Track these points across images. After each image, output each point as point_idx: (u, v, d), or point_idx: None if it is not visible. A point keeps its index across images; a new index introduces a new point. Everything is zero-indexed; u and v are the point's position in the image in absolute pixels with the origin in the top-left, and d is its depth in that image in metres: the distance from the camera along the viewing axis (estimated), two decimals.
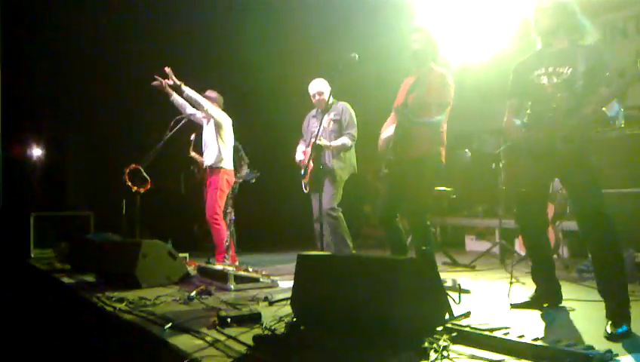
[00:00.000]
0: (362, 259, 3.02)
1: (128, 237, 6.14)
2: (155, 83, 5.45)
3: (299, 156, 5.11)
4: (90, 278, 4.91)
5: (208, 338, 2.65)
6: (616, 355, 2.19)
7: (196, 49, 7.93)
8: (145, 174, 5.47)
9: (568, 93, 2.95)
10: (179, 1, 7.20)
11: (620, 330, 2.56)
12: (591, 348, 2.15)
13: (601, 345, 2.34)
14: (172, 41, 7.66)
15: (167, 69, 5.23)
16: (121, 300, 3.74)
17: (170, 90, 5.51)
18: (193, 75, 7.42)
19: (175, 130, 5.55)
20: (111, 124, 8.03)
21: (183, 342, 2.63)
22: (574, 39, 3.12)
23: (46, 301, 5.02)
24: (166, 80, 5.39)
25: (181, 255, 5.03)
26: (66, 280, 4.96)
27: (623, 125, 5.15)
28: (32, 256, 7.02)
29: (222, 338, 2.66)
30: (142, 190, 5.54)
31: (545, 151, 2.99)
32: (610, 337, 2.54)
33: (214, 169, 5.55)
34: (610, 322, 2.65)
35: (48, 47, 7.78)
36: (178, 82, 5.24)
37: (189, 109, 5.65)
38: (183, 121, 5.60)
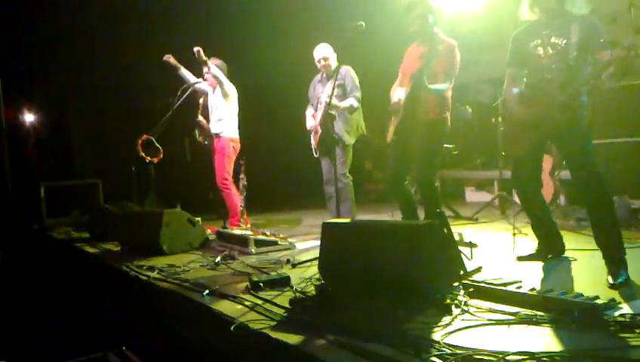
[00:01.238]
0: (384, 224, 3.26)
1: (138, 205, 6.34)
2: (166, 58, 5.61)
3: (309, 122, 5.27)
4: (112, 247, 5.13)
5: (247, 303, 2.90)
6: (619, 303, 2.46)
7: (192, 9, 7.90)
8: (157, 144, 5.61)
9: (563, 65, 3.11)
10: None
11: (620, 280, 2.83)
12: (596, 298, 2.40)
13: (604, 293, 2.62)
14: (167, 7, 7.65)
15: (197, 48, 5.34)
16: (151, 268, 3.99)
17: (178, 64, 5.69)
18: (191, 39, 7.52)
19: (183, 99, 5.66)
20: (115, 91, 8.07)
21: (225, 307, 2.88)
22: (569, 8, 3.21)
23: (74, 271, 5.23)
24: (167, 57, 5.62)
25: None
26: (89, 249, 5.18)
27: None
28: (46, 225, 7.20)
29: (259, 301, 2.90)
30: (155, 160, 5.70)
31: (540, 119, 3.19)
32: (612, 286, 2.80)
33: (221, 136, 5.70)
34: (609, 271, 2.92)
35: (49, 12, 7.72)
36: (205, 58, 5.38)
37: (193, 78, 5.78)
38: (189, 90, 5.71)
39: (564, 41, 3.13)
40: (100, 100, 8.42)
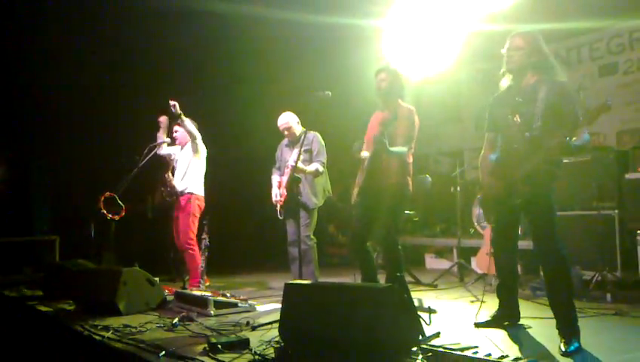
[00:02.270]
0: (345, 286, 3.30)
1: (96, 263, 6.20)
2: (172, 103, 5.52)
3: (274, 191, 5.37)
4: (67, 306, 4.96)
5: None
6: None
7: (170, 69, 8.05)
8: (120, 201, 5.57)
9: (529, 134, 3.17)
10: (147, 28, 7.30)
11: (571, 348, 2.93)
12: None
13: (557, 360, 2.69)
14: (142, 67, 7.77)
15: (173, 103, 5.42)
16: (106, 328, 3.87)
17: (164, 128, 5.90)
18: (165, 97, 7.64)
19: (148, 157, 5.69)
20: (76, 148, 8.02)
21: None
22: (542, 77, 3.29)
23: (25, 330, 5.02)
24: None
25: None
26: (42, 308, 5.00)
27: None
28: None
29: None
30: (117, 217, 5.64)
31: (508, 191, 3.31)
32: (564, 354, 2.89)
33: (186, 194, 5.71)
34: (562, 339, 3.01)
35: (11, 68, 7.73)
36: (180, 112, 5.45)
37: (164, 150, 5.93)
38: (155, 150, 5.77)
39: (530, 110, 3.19)
40: (60, 157, 8.33)
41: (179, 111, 5.44)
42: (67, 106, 7.75)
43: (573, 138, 2.98)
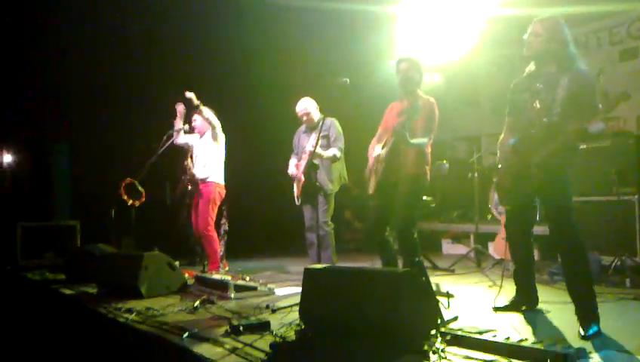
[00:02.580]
0: (364, 271, 3.33)
1: (116, 247, 6.32)
2: (188, 94, 5.57)
3: (291, 169, 5.40)
4: (89, 289, 5.07)
5: (227, 346, 2.92)
6: (589, 353, 2.55)
7: (187, 57, 8.10)
8: (140, 187, 5.66)
9: (547, 120, 3.17)
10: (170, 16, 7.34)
11: (590, 332, 2.94)
12: (568, 347, 2.50)
13: (575, 344, 2.71)
14: (161, 53, 7.82)
15: (189, 94, 5.45)
16: (129, 311, 3.96)
17: (181, 116, 5.87)
18: (183, 84, 7.69)
19: (167, 144, 5.75)
20: (96, 133, 8.13)
21: (205, 349, 2.89)
22: (563, 65, 3.27)
23: (50, 313, 5.14)
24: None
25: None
26: (65, 291, 5.12)
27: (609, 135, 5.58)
28: (21, 266, 7.09)
29: (239, 345, 2.93)
30: (137, 203, 5.73)
31: (524, 173, 3.33)
32: (583, 337, 2.91)
33: (207, 182, 5.77)
34: (581, 323, 3.03)
35: (33, 54, 7.83)
36: (198, 102, 5.49)
37: (181, 138, 5.95)
38: (173, 138, 5.82)
39: (551, 97, 3.18)
40: (81, 142, 8.45)
41: (196, 101, 5.48)
42: (88, 92, 7.84)
43: (587, 125, 3.01)
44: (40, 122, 8.18)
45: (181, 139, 5.96)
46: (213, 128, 5.74)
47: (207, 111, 5.62)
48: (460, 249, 7.32)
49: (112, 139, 8.00)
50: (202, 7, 7.13)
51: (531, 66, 3.50)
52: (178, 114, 5.89)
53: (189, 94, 5.44)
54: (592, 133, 3.12)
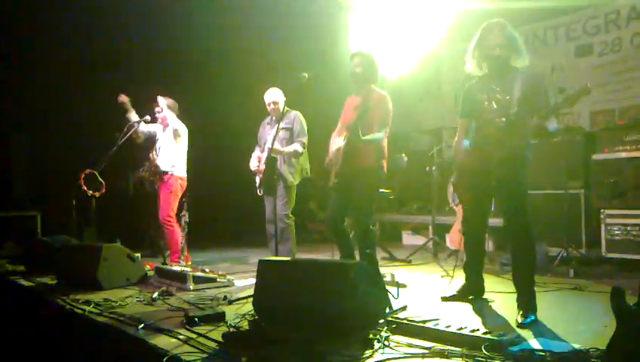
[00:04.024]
0: (315, 263, 3.44)
1: (78, 239, 6.29)
2: (120, 99, 5.77)
3: (253, 162, 5.47)
4: (49, 281, 5.07)
5: (181, 337, 3.00)
6: (523, 340, 2.72)
7: (148, 48, 8.04)
8: (100, 178, 5.64)
9: (505, 119, 3.35)
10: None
11: (527, 320, 3.13)
12: (503, 334, 2.66)
13: (512, 331, 2.88)
14: (122, 39, 7.76)
15: (121, 99, 5.62)
16: (87, 302, 3.98)
17: (130, 108, 5.89)
18: (146, 76, 7.64)
19: (127, 136, 5.75)
20: (58, 123, 8.02)
21: (159, 340, 2.96)
22: (515, 63, 3.49)
23: (7, 305, 5.12)
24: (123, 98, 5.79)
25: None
26: (24, 282, 5.10)
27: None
28: None
29: (193, 336, 3.01)
30: (97, 194, 5.71)
31: (483, 170, 3.48)
32: (520, 325, 3.09)
33: (169, 174, 5.80)
34: (520, 312, 3.21)
35: None
36: (128, 107, 5.77)
37: (143, 127, 5.96)
38: (135, 127, 5.82)
39: (507, 97, 3.37)
40: (41, 131, 8.33)
41: (128, 107, 5.73)
42: (49, 80, 7.72)
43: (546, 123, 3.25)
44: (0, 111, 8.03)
45: (142, 127, 5.97)
46: (175, 130, 5.77)
47: (170, 118, 5.72)
48: (420, 240, 7.50)
49: (73, 129, 7.90)
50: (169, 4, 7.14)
51: (484, 69, 3.65)
52: (125, 107, 5.90)
53: (122, 98, 5.60)
54: (550, 131, 3.31)
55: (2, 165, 8.43)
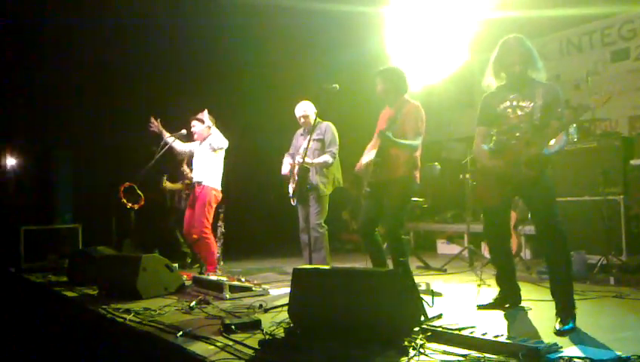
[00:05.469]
0: (351, 271, 3.47)
1: (117, 250, 6.47)
2: (151, 128, 5.89)
3: (285, 169, 5.55)
4: (90, 291, 5.22)
5: (218, 344, 3.06)
6: (561, 347, 2.68)
7: (181, 61, 8.25)
8: (139, 191, 5.80)
9: (529, 125, 3.43)
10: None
11: (566, 327, 3.08)
12: (540, 342, 2.63)
13: (550, 339, 2.84)
14: (157, 58, 7.98)
15: (153, 126, 5.77)
16: (128, 311, 4.09)
17: (162, 131, 5.98)
18: (179, 90, 7.82)
19: (165, 149, 5.89)
20: (97, 138, 8.28)
21: (198, 347, 3.03)
22: (532, 74, 3.57)
23: (52, 314, 5.29)
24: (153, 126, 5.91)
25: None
26: (67, 293, 5.26)
27: (576, 140, 5.74)
28: (24, 268, 7.24)
29: (230, 343, 3.06)
30: (136, 206, 5.87)
31: (509, 174, 3.47)
32: (558, 333, 3.04)
33: (203, 185, 5.90)
34: (558, 320, 3.16)
35: (34, 58, 7.99)
36: (161, 129, 5.89)
37: (180, 146, 6.10)
38: (169, 143, 5.95)
39: (531, 104, 3.45)
40: (82, 146, 8.60)
41: (160, 129, 5.79)
42: (89, 97, 7.99)
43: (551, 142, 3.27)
44: (43, 126, 8.34)
45: (179, 146, 6.09)
46: (217, 143, 5.87)
47: (215, 141, 5.80)
48: (455, 249, 7.44)
49: (113, 143, 8.14)
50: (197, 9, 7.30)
51: (501, 80, 3.70)
52: (155, 130, 5.98)
53: (153, 126, 5.77)
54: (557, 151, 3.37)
55: (45, 180, 8.74)
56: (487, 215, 3.81)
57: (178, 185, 6.06)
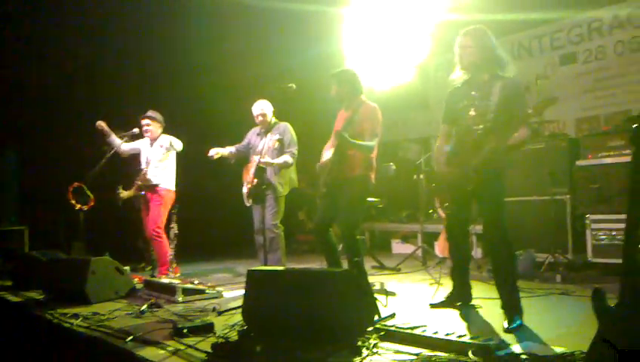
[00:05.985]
0: (305, 272, 3.45)
1: (66, 253, 6.26)
2: (98, 125, 5.78)
3: (211, 152, 5.51)
4: (36, 295, 5.03)
5: (170, 348, 2.99)
6: (509, 344, 2.75)
7: (134, 59, 8.06)
8: (88, 192, 5.63)
9: (482, 126, 3.40)
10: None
11: (514, 325, 3.16)
12: (489, 339, 2.69)
13: (499, 336, 2.91)
14: (108, 55, 7.77)
15: (99, 124, 5.70)
16: (75, 316, 3.96)
17: (109, 132, 5.88)
18: (130, 89, 7.64)
19: (109, 155, 5.76)
20: (44, 137, 7.99)
21: (148, 352, 2.96)
22: (495, 72, 3.52)
23: None
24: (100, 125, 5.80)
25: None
26: (12, 298, 5.06)
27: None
28: None
29: (181, 347, 3.01)
30: (85, 208, 5.69)
31: (461, 179, 3.51)
32: (506, 330, 3.12)
33: (159, 187, 5.80)
34: (506, 318, 3.23)
35: None
36: (107, 130, 5.84)
37: (125, 146, 6.00)
38: (116, 148, 5.83)
39: (485, 103, 3.41)
40: (29, 146, 8.29)
41: (107, 130, 5.77)
42: (37, 95, 7.71)
43: (515, 134, 3.31)
44: None
45: (125, 146, 5.99)
46: (170, 144, 5.80)
47: (176, 144, 5.77)
48: (409, 248, 7.53)
49: (61, 143, 7.87)
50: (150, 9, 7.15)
51: (465, 75, 3.69)
52: (104, 133, 5.88)
53: (99, 125, 5.67)
54: (521, 141, 3.37)
55: None
56: (448, 215, 3.87)
57: (132, 191, 5.91)
